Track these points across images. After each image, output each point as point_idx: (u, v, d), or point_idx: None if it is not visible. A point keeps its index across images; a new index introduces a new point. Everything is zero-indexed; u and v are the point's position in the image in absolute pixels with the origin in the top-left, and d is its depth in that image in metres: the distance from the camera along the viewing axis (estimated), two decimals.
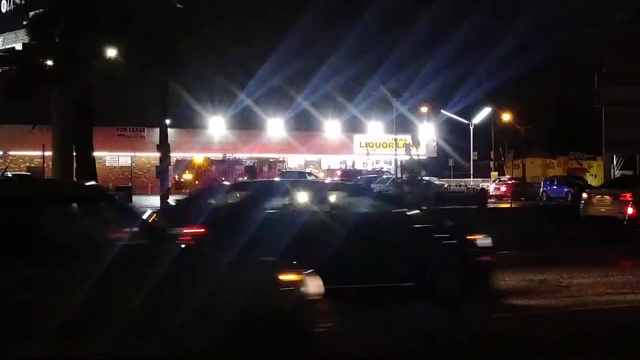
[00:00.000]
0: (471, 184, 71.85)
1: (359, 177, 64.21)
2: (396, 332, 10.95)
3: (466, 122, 78.49)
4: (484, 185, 67.28)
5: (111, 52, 34.29)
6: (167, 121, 43.33)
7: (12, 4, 53.31)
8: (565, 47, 70.28)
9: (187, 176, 62.64)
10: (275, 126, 76.73)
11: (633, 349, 10.31)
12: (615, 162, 69.44)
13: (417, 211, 13.76)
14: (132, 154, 70.83)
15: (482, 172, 78.24)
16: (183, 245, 8.19)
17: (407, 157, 66.66)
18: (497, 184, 67.52)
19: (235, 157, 69.65)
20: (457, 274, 12.44)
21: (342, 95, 78.55)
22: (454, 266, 12.51)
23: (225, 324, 7.48)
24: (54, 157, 42.35)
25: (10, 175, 53.87)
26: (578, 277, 16.32)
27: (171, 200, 34.93)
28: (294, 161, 77.99)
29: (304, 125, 77.47)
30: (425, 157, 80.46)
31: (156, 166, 47.57)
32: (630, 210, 23.67)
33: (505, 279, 15.30)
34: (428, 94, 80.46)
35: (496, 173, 77.68)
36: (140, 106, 60.88)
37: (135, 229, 7.91)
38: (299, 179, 51.99)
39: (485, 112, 79.25)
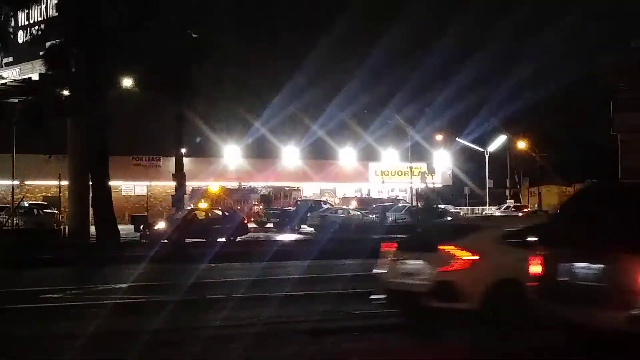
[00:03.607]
0: (487, 212, 71.60)
1: (374, 206, 64.18)
2: None
3: (481, 150, 78.40)
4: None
5: (127, 82, 34.51)
6: (183, 150, 43.51)
7: (28, 34, 53.76)
8: (580, 74, 70.26)
9: (203, 205, 62.65)
10: (291, 154, 76.71)
11: None
12: None
13: None
14: (148, 183, 70.89)
15: (498, 200, 77.98)
16: None
17: (422, 185, 66.58)
18: (508, 211, 67.11)
19: (250, 186, 69.67)
20: None
21: (357, 123, 78.63)
22: None
23: None
24: (70, 186, 42.57)
25: (26, 204, 54.04)
26: None
27: None
28: (309, 189, 77.87)
29: (319, 154, 77.43)
30: (441, 185, 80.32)
31: (172, 195, 47.72)
32: None
33: None
34: (443, 122, 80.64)
35: (512, 201, 77.36)
36: (156, 136, 61.11)
37: None
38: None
39: (500, 140, 79.16)
